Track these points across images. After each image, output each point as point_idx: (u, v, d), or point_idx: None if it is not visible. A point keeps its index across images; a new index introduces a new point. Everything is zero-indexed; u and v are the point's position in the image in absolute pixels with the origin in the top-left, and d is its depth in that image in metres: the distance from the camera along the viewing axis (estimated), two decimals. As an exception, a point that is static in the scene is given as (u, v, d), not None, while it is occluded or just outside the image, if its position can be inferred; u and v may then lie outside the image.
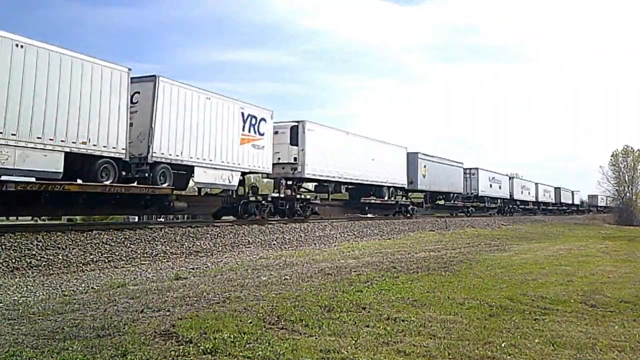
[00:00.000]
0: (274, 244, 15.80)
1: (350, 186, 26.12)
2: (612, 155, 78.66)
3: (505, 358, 4.65)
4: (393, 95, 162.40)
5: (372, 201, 26.84)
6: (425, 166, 31.92)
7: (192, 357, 4.47)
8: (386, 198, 28.02)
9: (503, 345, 4.98)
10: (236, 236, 15.61)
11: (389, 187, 28.25)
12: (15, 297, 7.49)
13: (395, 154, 28.95)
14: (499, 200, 45.88)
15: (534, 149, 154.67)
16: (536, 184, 56.96)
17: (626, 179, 77.45)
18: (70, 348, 4.64)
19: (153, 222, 15.34)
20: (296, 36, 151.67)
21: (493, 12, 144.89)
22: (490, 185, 43.06)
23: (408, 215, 30.28)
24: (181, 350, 4.61)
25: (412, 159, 30.61)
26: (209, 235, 14.95)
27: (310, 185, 24.79)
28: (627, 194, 76.72)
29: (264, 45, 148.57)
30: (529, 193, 53.64)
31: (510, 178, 48.83)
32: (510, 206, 48.77)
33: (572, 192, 70.01)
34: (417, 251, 15.19)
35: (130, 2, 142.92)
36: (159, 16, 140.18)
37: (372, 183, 26.41)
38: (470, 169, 40.23)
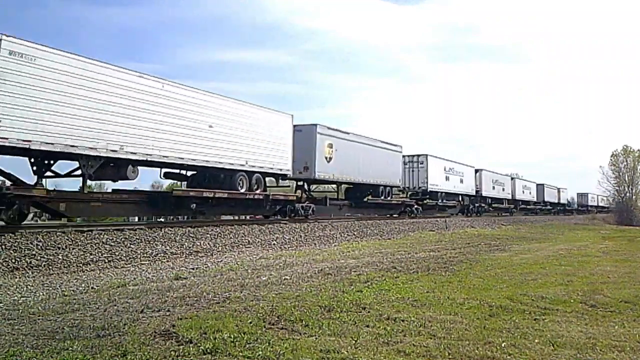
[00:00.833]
0: (274, 244, 15.80)
1: (190, 171, 17.14)
2: (612, 155, 79.13)
3: (505, 358, 4.65)
4: (393, 95, 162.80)
5: (206, 195, 16.33)
6: (331, 145, 21.99)
7: (192, 357, 4.47)
8: (243, 190, 17.77)
9: (503, 345, 4.98)
10: (236, 236, 15.61)
11: (249, 174, 18.05)
12: (15, 297, 7.49)
13: (267, 124, 18.67)
14: (461, 197, 37.25)
15: (534, 149, 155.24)
16: (512, 178, 50.18)
17: (626, 179, 77.67)
18: (70, 348, 4.64)
19: (153, 222, 15.15)
20: (296, 36, 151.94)
21: (493, 12, 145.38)
22: (447, 178, 33.93)
23: (296, 217, 20.33)
24: (181, 350, 4.60)
25: (305, 134, 20.70)
26: (209, 235, 14.95)
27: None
28: (627, 194, 76.85)
29: (264, 45, 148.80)
30: (503, 189, 45.46)
31: (477, 171, 39.81)
32: (477, 205, 39.95)
33: (558, 190, 63.79)
34: (417, 251, 15.19)
35: (130, 2, 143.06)
36: (159, 16, 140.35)
37: (209, 165, 16.29)
38: (418, 155, 31.12)
